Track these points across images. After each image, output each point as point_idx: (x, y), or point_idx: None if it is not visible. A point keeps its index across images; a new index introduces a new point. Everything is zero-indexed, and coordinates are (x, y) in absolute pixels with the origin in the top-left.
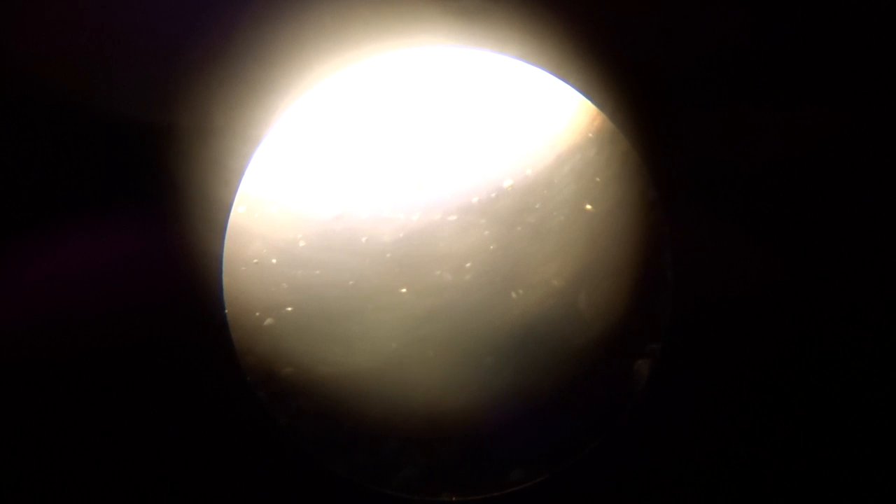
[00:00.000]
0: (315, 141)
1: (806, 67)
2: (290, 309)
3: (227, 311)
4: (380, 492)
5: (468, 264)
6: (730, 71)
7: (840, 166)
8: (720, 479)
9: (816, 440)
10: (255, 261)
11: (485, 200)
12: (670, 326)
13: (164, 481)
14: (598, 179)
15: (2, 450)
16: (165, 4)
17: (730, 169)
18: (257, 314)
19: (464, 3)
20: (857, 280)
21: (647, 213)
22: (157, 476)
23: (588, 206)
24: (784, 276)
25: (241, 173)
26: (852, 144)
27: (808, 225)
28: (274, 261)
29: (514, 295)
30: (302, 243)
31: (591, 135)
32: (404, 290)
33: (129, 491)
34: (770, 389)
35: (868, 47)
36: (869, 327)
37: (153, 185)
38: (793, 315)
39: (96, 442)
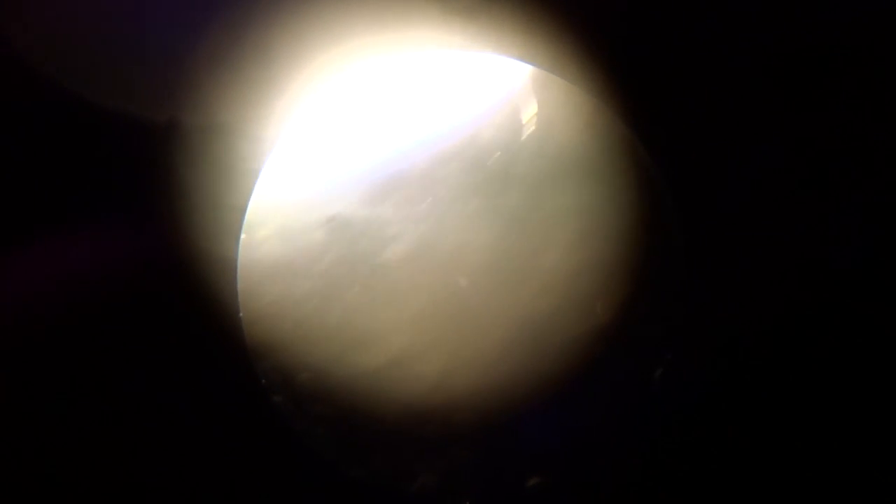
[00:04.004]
0: (322, 140)
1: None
2: (305, 312)
3: (241, 314)
4: (398, 496)
5: (479, 264)
6: (731, 67)
7: (843, 161)
8: (733, 486)
9: (829, 448)
10: (269, 264)
11: (490, 198)
12: (683, 331)
13: (181, 486)
14: (606, 177)
15: (12, 452)
16: (172, 5)
17: (739, 167)
18: (272, 317)
19: (464, 2)
20: (869, 280)
21: (657, 211)
22: (173, 481)
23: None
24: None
25: (253, 175)
26: (854, 139)
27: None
28: (288, 264)
29: (527, 296)
30: (315, 245)
31: (597, 133)
32: (419, 291)
33: (145, 496)
34: (782, 394)
35: (868, 45)
36: (883, 330)
37: (165, 187)
38: (803, 315)
39: (111, 446)
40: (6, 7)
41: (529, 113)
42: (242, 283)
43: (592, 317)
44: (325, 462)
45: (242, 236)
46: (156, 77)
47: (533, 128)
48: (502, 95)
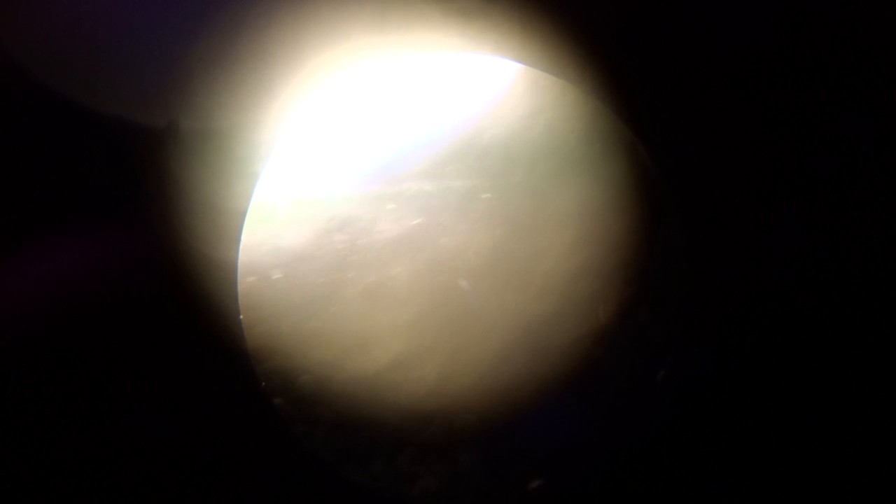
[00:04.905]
0: (321, 142)
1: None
2: (305, 315)
3: (241, 317)
4: (399, 500)
5: (479, 266)
6: (732, 65)
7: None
8: (735, 488)
9: (831, 449)
10: (269, 267)
11: (489, 199)
12: (686, 333)
13: (181, 488)
14: (607, 178)
15: (12, 455)
16: (170, 8)
17: (740, 166)
18: (272, 320)
19: (463, 3)
20: (872, 282)
21: (659, 212)
22: (174, 483)
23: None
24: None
25: (253, 178)
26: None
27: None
28: (288, 266)
29: (528, 298)
30: (315, 247)
31: (597, 134)
32: (419, 292)
33: (145, 499)
34: (785, 396)
35: (867, 45)
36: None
37: (165, 191)
38: (808, 319)
39: (111, 449)
40: (1, 12)
41: (529, 114)
42: (243, 287)
43: (594, 319)
44: (326, 465)
45: (242, 239)
46: (154, 81)
47: (533, 129)
48: (501, 97)
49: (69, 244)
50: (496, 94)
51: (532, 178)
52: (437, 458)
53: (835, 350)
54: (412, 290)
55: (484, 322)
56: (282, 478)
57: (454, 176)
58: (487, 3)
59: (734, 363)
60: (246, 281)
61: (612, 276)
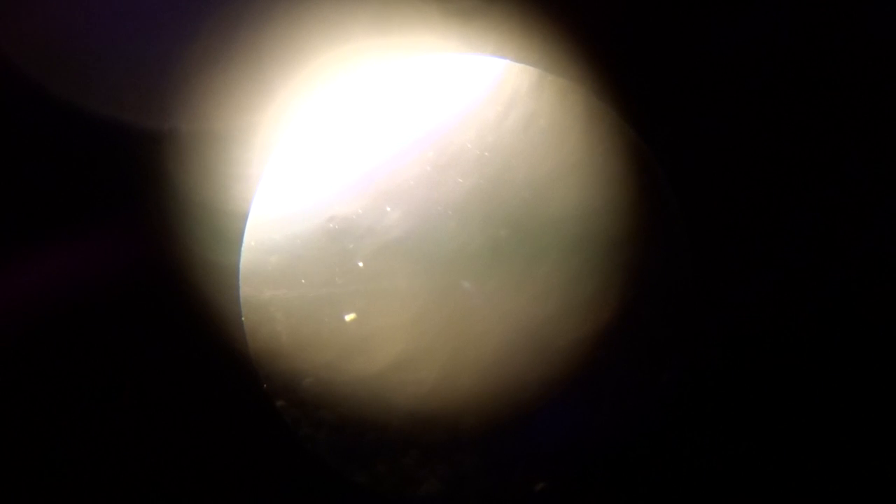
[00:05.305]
0: (321, 144)
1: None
2: (307, 316)
3: (243, 319)
4: (402, 502)
5: (481, 267)
6: (735, 66)
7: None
8: (738, 489)
9: (832, 449)
10: (271, 269)
11: (491, 200)
12: (689, 334)
13: (184, 491)
14: (609, 178)
15: (15, 456)
16: (172, 12)
17: (743, 167)
18: (274, 322)
19: (463, 4)
20: (874, 284)
21: (662, 212)
22: (177, 485)
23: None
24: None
25: (254, 181)
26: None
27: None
28: (290, 269)
29: (529, 299)
30: (316, 249)
31: (599, 134)
32: (421, 293)
33: (148, 501)
34: (788, 396)
35: (868, 47)
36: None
37: (167, 194)
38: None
39: (114, 452)
40: (3, 17)
41: (530, 114)
42: (244, 289)
43: (598, 320)
44: (329, 468)
45: (244, 242)
46: (154, 84)
47: (536, 129)
48: (502, 97)
49: (70, 247)
50: (497, 95)
51: (534, 178)
52: (440, 460)
53: (836, 350)
54: (413, 291)
55: (486, 322)
56: (285, 480)
57: (455, 177)
58: (487, 4)
59: (736, 363)
60: (247, 284)
61: (614, 277)
